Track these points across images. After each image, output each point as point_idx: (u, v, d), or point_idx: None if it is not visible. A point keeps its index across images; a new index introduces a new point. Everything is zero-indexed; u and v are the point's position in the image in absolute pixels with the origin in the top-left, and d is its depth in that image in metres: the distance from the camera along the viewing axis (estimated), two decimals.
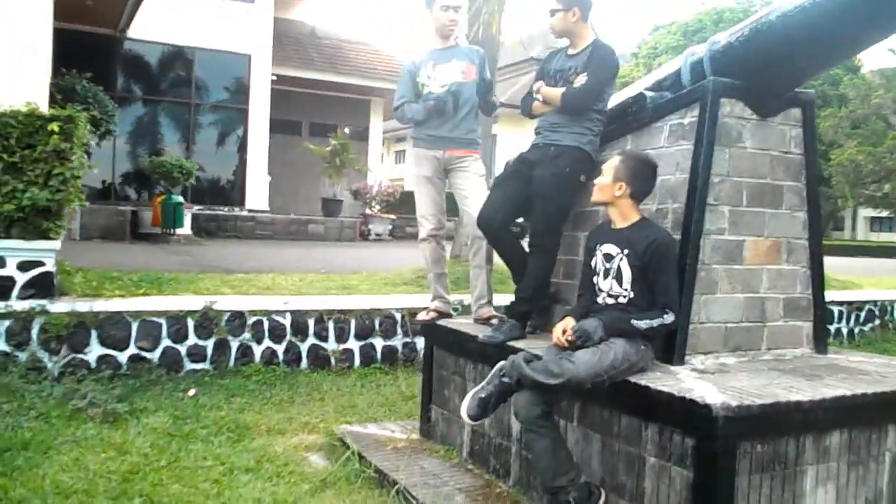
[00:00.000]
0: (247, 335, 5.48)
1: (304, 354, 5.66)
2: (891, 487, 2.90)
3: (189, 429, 4.27)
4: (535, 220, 3.65)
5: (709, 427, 2.47)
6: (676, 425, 2.62)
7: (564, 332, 2.97)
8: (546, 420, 2.89)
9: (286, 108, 17.76)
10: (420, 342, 6.04)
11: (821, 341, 3.48)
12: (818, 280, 3.45)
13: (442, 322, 4.22)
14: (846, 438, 2.77)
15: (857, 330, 8.38)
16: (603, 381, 2.77)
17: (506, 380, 2.99)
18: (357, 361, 5.83)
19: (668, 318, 2.88)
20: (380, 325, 5.93)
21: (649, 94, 3.43)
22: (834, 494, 2.75)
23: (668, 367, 3.04)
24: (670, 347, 3.08)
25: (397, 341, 5.99)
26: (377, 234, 17.40)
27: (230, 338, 5.42)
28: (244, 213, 15.67)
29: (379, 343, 5.92)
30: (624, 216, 3.02)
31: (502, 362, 3.09)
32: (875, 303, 8.64)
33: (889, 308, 8.78)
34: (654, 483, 2.70)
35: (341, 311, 5.80)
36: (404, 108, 4.26)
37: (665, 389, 2.66)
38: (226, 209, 15.73)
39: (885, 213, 35.75)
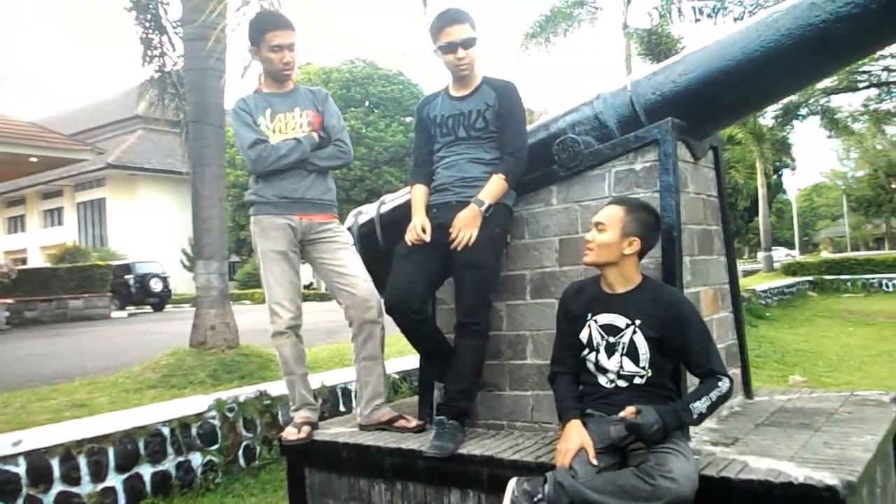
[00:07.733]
0: None
1: None
2: None
3: None
4: (465, 294, 2.95)
5: None
6: None
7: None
8: None
9: None
10: (195, 458, 4.80)
11: (748, 386, 3.40)
12: (741, 324, 3.37)
13: (322, 437, 3.28)
14: None
15: None
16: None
17: None
18: (122, 502, 4.37)
19: (725, 385, 2.38)
20: (146, 447, 4.53)
21: (580, 138, 3.04)
22: None
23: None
24: None
25: (169, 464, 4.63)
26: None
27: None
28: None
29: (147, 471, 4.51)
30: (628, 278, 2.55)
31: (518, 483, 2.40)
32: None
33: None
34: None
35: (94, 440, 4.29)
36: (267, 148, 3.20)
37: (755, 478, 2.25)
38: None
39: None
